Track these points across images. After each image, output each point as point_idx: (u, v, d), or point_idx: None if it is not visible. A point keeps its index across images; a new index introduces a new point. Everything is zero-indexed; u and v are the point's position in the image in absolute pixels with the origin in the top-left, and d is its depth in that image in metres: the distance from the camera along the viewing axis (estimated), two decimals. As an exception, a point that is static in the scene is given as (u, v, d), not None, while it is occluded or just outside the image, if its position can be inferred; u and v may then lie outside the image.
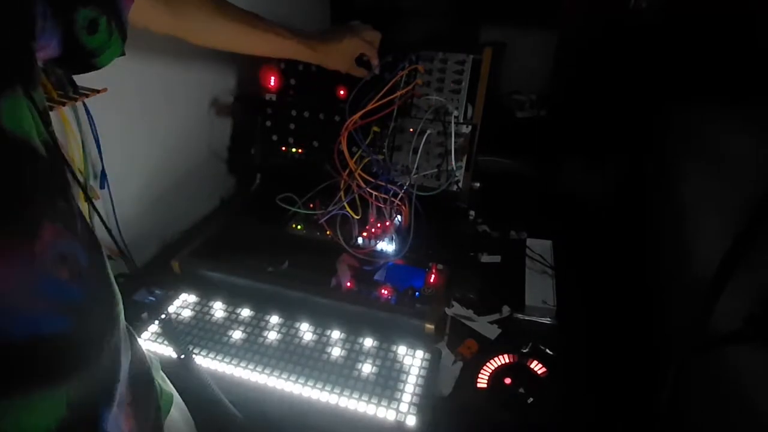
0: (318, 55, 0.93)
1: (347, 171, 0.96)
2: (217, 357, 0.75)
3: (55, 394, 0.34)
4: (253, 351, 0.76)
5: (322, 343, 0.77)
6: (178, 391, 0.61)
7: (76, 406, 0.36)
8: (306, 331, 0.79)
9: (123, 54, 0.53)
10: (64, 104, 0.72)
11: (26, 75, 0.36)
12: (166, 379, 0.60)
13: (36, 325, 0.33)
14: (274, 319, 0.81)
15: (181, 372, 0.68)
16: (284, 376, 0.72)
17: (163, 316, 0.80)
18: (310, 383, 0.71)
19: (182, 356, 0.70)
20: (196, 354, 0.76)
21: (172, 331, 0.76)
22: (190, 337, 0.78)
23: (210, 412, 0.65)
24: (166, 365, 0.63)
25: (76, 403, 0.36)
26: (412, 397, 0.69)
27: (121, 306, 0.43)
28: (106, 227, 0.62)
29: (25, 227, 0.33)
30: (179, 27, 0.76)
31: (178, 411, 0.60)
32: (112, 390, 0.40)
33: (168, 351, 0.75)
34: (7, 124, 0.33)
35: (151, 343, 0.77)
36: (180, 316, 0.82)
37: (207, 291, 0.86)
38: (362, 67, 0.99)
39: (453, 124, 0.97)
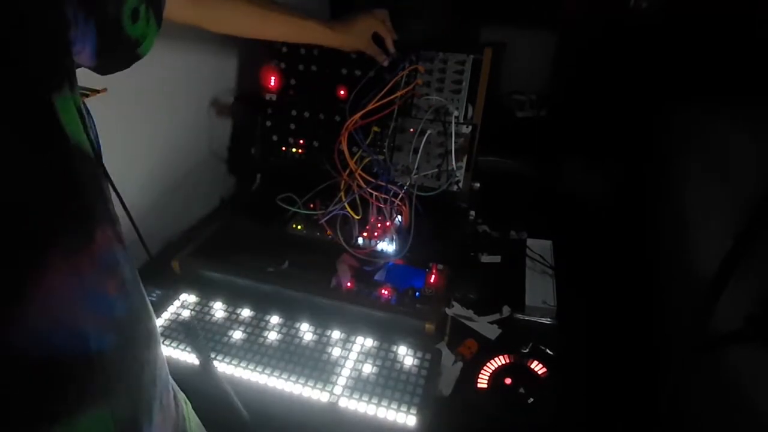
0: (337, 36, 0.94)
1: (347, 171, 0.96)
2: (217, 357, 0.75)
3: (103, 414, 0.34)
4: (253, 351, 0.76)
5: (322, 343, 0.77)
6: (190, 390, 0.60)
7: (121, 424, 0.35)
8: (306, 331, 0.79)
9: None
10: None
11: (71, 75, 0.35)
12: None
13: (86, 342, 0.32)
14: (274, 319, 0.81)
15: (199, 373, 0.67)
16: (284, 376, 0.72)
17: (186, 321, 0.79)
18: (310, 383, 0.71)
19: (202, 359, 0.67)
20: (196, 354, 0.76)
21: (194, 332, 0.76)
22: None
23: (219, 409, 0.65)
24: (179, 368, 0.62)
25: (121, 423, 0.35)
26: (412, 397, 0.69)
27: (155, 320, 0.42)
28: (132, 221, 0.59)
29: (84, 234, 0.32)
30: (198, 14, 0.77)
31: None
32: (151, 407, 0.40)
33: (168, 352, 0.75)
34: (66, 127, 0.32)
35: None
36: (180, 316, 0.82)
37: (207, 291, 0.86)
38: (381, 51, 1.00)
39: (453, 124, 0.97)
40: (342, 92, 1.04)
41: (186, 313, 0.82)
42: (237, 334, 0.78)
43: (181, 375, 0.63)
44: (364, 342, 0.76)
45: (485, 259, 0.97)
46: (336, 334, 0.78)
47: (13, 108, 0.29)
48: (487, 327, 0.83)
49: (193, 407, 0.58)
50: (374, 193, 0.94)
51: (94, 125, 0.75)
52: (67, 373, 0.31)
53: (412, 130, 1.00)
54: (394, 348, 0.76)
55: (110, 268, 0.35)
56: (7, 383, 0.28)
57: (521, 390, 0.72)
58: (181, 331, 0.79)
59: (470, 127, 0.99)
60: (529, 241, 0.98)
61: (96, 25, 0.38)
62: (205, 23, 0.79)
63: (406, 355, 0.74)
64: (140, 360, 0.38)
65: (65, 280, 0.30)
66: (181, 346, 0.77)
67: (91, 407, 0.32)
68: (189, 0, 0.73)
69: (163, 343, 0.77)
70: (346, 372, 0.72)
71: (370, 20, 0.97)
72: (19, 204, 0.29)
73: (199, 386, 0.63)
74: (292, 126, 1.09)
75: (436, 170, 0.99)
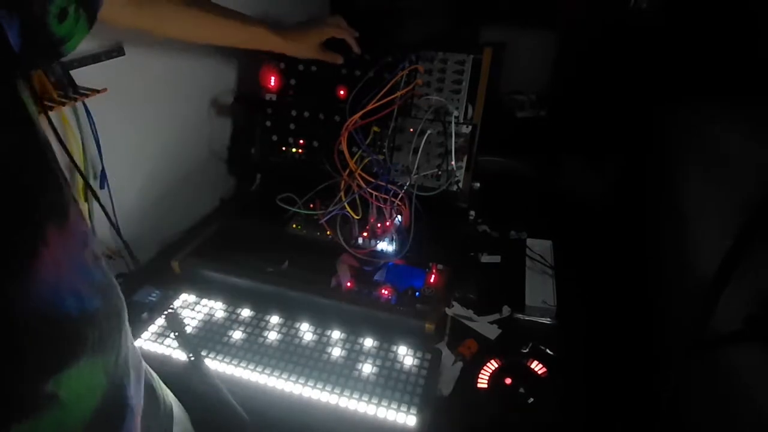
0: (287, 44, 0.97)
1: (347, 171, 0.96)
2: (218, 357, 0.75)
3: (97, 364, 0.39)
4: (253, 351, 0.76)
5: (322, 343, 0.77)
6: (182, 392, 0.61)
7: (111, 379, 0.40)
8: (306, 331, 0.79)
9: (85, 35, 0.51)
10: (63, 104, 0.72)
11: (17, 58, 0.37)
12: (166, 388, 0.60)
13: (82, 303, 0.37)
14: (274, 319, 0.81)
15: (189, 373, 0.68)
16: (284, 376, 0.72)
17: (170, 311, 0.80)
18: (310, 383, 0.71)
19: (191, 357, 0.70)
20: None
21: (181, 328, 0.76)
22: (192, 336, 0.78)
23: (217, 413, 0.65)
24: (173, 366, 0.63)
25: (110, 375, 0.40)
26: (412, 397, 0.69)
27: (121, 294, 0.47)
28: (111, 221, 0.61)
29: (64, 210, 0.36)
30: (142, 18, 0.77)
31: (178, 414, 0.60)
32: (129, 366, 0.45)
33: (168, 351, 0.75)
34: (29, 109, 0.34)
35: (152, 343, 0.77)
36: (179, 316, 0.82)
37: (207, 291, 0.86)
38: (335, 53, 1.02)
39: (453, 124, 0.97)
40: (342, 92, 1.04)
41: (186, 313, 0.82)
42: (237, 334, 0.78)
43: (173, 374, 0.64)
44: (364, 342, 0.77)
45: (485, 259, 0.97)
46: (336, 334, 0.78)
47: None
48: (487, 327, 0.83)
49: (188, 408, 0.58)
50: (374, 193, 0.94)
51: (94, 124, 0.75)
52: (69, 328, 0.36)
53: (411, 130, 1.00)
54: (394, 348, 0.76)
55: (83, 241, 0.39)
56: (25, 336, 0.32)
57: (521, 390, 0.72)
58: (167, 327, 0.79)
59: (470, 127, 0.99)
60: (529, 241, 0.98)
61: (20, 20, 0.38)
62: (144, 25, 0.79)
63: (406, 355, 0.74)
64: (118, 322, 0.43)
65: (59, 249, 0.35)
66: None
67: (90, 357, 0.37)
68: (126, 3, 0.73)
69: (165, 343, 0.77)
70: (345, 372, 0.72)
71: (322, 29, 0.99)
72: (23, 186, 0.33)
73: (190, 385, 0.64)
74: (292, 126, 1.08)
75: (436, 170, 0.99)
